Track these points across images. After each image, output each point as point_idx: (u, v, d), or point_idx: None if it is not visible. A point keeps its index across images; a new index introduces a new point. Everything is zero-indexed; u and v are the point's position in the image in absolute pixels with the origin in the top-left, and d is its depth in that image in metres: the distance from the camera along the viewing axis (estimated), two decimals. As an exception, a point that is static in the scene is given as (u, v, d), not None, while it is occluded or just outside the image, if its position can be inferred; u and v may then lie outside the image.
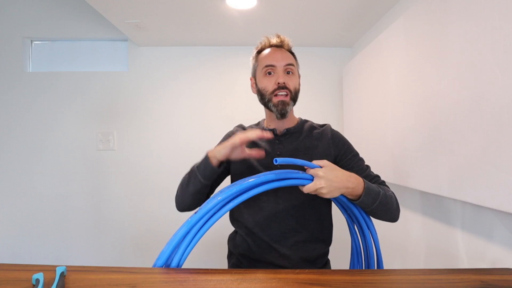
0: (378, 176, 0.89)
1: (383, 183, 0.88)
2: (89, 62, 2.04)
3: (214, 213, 0.70)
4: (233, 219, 0.96)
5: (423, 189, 1.04)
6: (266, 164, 0.88)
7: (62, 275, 0.57)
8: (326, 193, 0.71)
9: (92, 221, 1.96)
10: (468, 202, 0.86)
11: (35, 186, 1.95)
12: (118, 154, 1.98)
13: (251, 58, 0.96)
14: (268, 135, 0.80)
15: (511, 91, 0.68)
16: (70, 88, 1.97)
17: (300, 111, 0.98)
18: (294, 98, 0.90)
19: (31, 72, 1.99)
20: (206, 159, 0.83)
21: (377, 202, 0.76)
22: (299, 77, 0.95)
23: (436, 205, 1.09)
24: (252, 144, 0.95)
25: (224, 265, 1.02)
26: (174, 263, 0.65)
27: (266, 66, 0.89)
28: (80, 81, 1.97)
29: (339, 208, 0.87)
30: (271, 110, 0.90)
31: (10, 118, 1.95)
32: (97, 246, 1.96)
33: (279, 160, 0.69)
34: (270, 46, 0.92)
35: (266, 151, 0.90)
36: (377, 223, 0.86)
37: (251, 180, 0.72)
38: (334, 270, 0.66)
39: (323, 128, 0.95)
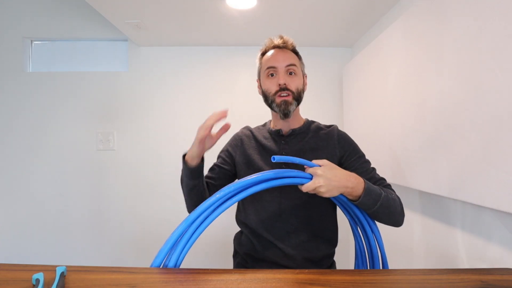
0: (383, 179, 0.88)
1: (388, 186, 0.87)
2: (89, 62, 2.04)
3: (212, 211, 0.70)
4: (238, 219, 0.97)
5: (423, 189, 1.04)
6: (271, 166, 0.89)
7: (62, 275, 0.57)
8: (324, 192, 0.71)
9: (92, 221, 1.96)
10: (468, 202, 0.86)
11: (35, 186, 1.95)
12: (118, 154, 1.98)
13: (256, 60, 0.98)
14: (223, 113, 0.85)
15: (511, 91, 0.68)
16: (70, 88, 1.97)
17: (300, 111, 0.99)
18: (297, 98, 0.90)
19: (31, 72, 1.99)
20: (184, 163, 0.87)
21: (378, 204, 0.75)
22: (304, 76, 0.96)
23: (436, 205, 1.08)
24: (257, 143, 0.96)
25: (230, 263, 1.03)
26: (172, 261, 0.65)
27: (268, 68, 0.91)
28: (80, 81, 1.97)
29: (342, 210, 0.87)
30: (275, 111, 0.92)
31: (10, 118, 1.95)
32: (97, 246, 1.96)
33: (277, 158, 0.69)
34: (273, 47, 0.94)
35: (271, 151, 0.90)
36: (378, 223, 0.86)
37: (249, 178, 0.72)
38: (334, 270, 0.66)
39: (330, 129, 0.96)
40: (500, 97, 0.71)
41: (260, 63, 0.96)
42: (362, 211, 0.81)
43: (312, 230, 0.88)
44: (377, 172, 0.92)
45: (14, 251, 1.94)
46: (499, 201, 0.72)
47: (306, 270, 0.63)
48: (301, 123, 0.97)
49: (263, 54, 0.95)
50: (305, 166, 0.75)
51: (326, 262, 0.91)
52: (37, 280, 0.54)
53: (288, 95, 0.89)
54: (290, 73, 0.90)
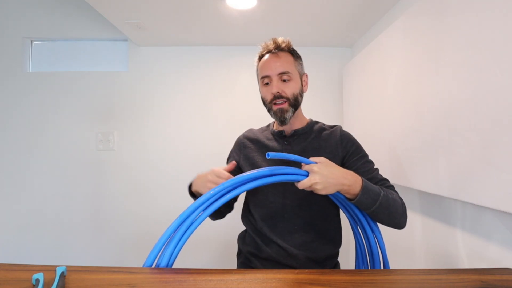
0: (385, 180, 0.88)
1: (391, 187, 0.86)
2: (89, 62, 2.03)
3: (207, 207, 0.71)
4: (243, 218, 0.98)
5: (423, 189, 1.04)
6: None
7: (62, 275, 0.57)
8: (320, 189, 0.71)
9: (92, 221, 1.96)
10: (468, 202, 0.85)
11: (35, 186, 1.95)
12: (118, 154, 1.98)
13: (255, 63, 0.99)
14: (230, 166, 0.88)
15: (511, 91, 0.68)
16: (70, 88, 1.97)
17: (302, 109, 1.00)
18: (293, 104, 0.90)
19: (31, 72, 1.99)
20: (193, 195, 0.89)
21: (377, 203, 0.75)
22: (302, 76, 0.95)
23: (436, 205, 1.08)
24: (260, 144, 0.96)
25: (234, 263, 1.04)
26: (165, 257, 0.66)
27: (262, 77, 0.92)
28: (80, 81, 1.97)
29: (342, 210, 0.87)
30: (273, 118, 0.94)
31: (10, 118, 1.95)
32: (97, 246, 1.96)
33: (271, 155, 0.70)
34: (267, 52, 0.93)
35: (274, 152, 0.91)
36: (379, 225, 0.86)
37: (244, 175, 0.73)
38: (334, 270, 0.66)
39: (333, 129, 0.96)
40: (500, 97, 0.71)
41: (257, 70, 0.97)
42: (362, 211, 0.80)
43: (316, 230, 0.89)
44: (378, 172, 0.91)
45: (14, 251, 1.94)
46: (499, 201, 0.72)
47: (306, 270, 0.63)
48: (304, 123, 0.97)
49: (260, 58, 0.96)
50: (302, 164, 0.75)
51: (329, 262, 0.91)
52: (37, 280, 0.54)
53: (284, 102, 0.89)
54: (284, 80, 0.90)
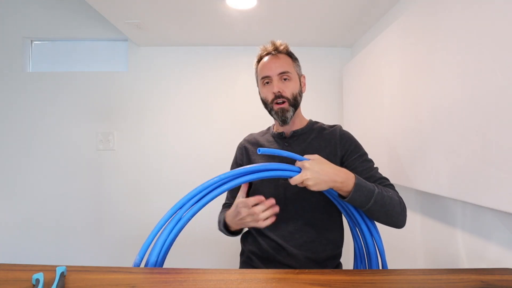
0: (385, 178, 0.88)
1: (390, 186, 0.86)
2: (89, 62, 2.03)
3: (197, 201, 0.73)
4: None
5: (423, 189, 1.04)
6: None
7: (62, 275, 0.57)
8: (312, 184, 0.71)
9: (92, 221, 1.96)
10: (468, 202, 0.85)
11: (35, 186, 1.95)
12: (118, 154, 1.98)
13: (253, 67, 1.01)
14: (244, 190, 0.89)
15: (511, 91, 0.68)
16: (70, 88, 1.97)
17: (302, 110, 1.00)
18: (293, 103, 0.92)
19: (31, 72, 1.99)
20: (228, 229, 0.91)
21: (371, 200, 0.74)
22: (300, 77, 0.97)
23: (436, 205, 1.08)
24: (261, 147, 0.97)
25: (238, 263, 1.05)
26: (156, 249, 0.68)
27: (262, 78, 0.94)
28: (80, 81, 1.97)
29: (341, 210, 0.87)
30: (274, 118, 0.95)
31: (10, 118, 1.95)
32: (97, 246, 1.96)
33: (262, 150, 0.72)
34: (266, 54, 0.95)
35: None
36: (379, 225, 0.85)
37: (237, 170, 0.74)
38: (334, 270, 0.66)
39: (333, 129, 0.97)
40: (500, 97, 0.71)
41: (256, 72, 0.98)
42: (359, 210, 0.80)
43: (317, 230, 0.89)
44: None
45: (14, 251, 1.94)
46: (499, 201, 0.72)
47: (306, 270, 0.63)
48: (304, 124, 0.99)
49: (259, 61, 0.98)
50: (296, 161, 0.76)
51: (331, 263, 0.91)
52: (37, 280, 0.54)
53: (284, 102, 0.91)
54: (285, 79, 0.92)
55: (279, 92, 0.90)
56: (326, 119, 1.17)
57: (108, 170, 1.97)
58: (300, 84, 0.96)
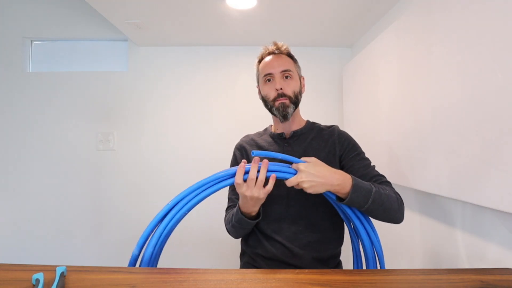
0: (381, 176, 0.88)
1: (386, 183, 0.86)
2: (89, 62, 2.03)
3: (192, 199, 0.75)
4: None
5: (423, 189, 1.04)
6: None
7: (62, 275, 0.57)
8: (307, 187, 0.72)
9: (92, 221, 1.96)
10: (468, 202, 0.86)
11: (35, 186, 1.95)
12: (118, 154, 1.98)
13: (254, 67, 1.01)
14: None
15: (511, 91, 0.68)
16: (70, 88, 1.97)
17: (301, 110, 1.00)
18: (294, 101, 0.93)
19: (31, 72, 1.99)
20: (245, 217, 0.86)
21: (370, 200, 0.75)
22: (300, 78, 0.98)
23: (436, 205, 1.08)
24: (259, 148, 0.97)
25: (237, 263, 1.04)
26: (150, 245, 0.70)
27: (265, 75, 0.94)
28: (80, 81, 1.97)
29: (339, 213, 0.86)
30: (274, 114, 0.95)
31: (10, 118, 1.95)
32: (97, 246, 1.96)
33: (256, 153, 0.73)
34: (268, 54, 0.97)
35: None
36: (376, 223, 0.85)
37: (232, 169, 0.75)
38: (334, 270, 0.66)
39: (331, 129, 0.98)
40: (500, 97, 0.71)
41: (258, 70, 0.99)
42: (356, 212, 0.80)
43: (320, 230, 0.89)
44: (378, 171, 0.91)
45: (14, 251, 1.94)
46: (499, 201, 0.72)
47: (306, 270, 0.63)
48: (302, 124, 0.99)
49: (260, 61, 0.99)
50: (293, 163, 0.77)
51: (332, 261, 0.93)
52: (37, 280, 0.54)
53: (285, 99, 0.92)
54: (286, 77, 0.93)
55: (281, 89, 0.91)
56: (326, 119, 1.17)
57: (108, 170, 1.97)
58: (300, 84, 0.97)
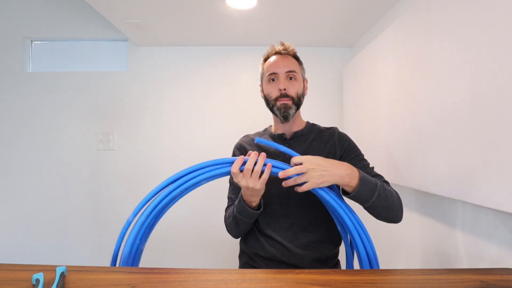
0: (380, 176, 0.89)
1: (385, 183, 0.86)
2: (89, 62, 2.03)
3: (187, 180, 0.79)
4: None
5: (423, 189, 1.04)
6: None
7: (62, 275, 0.57)
8: (316, 176, 0.71)
9: (92, 221, 1.96)
10: (468, 202, 0.86)
11: (35, 186, 1.95)
12: (118, 154, 1.98)
13: (258, 65, 1.01)
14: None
15: (511, 91, 0.68)
16: (70, 88, 1.97)
17: (301, 111, 1.01)
18: (297, 103, 0.93)
19: (31, 72, 1.99)
20: (247, 207, 0.84)
21: (375, 194, 0.74)
22: (304, 81, 0.99)
23: (436, 205, 1.08)
24: (259, 148, 0.97)
25: (236, 264, 1.04)
26: (131, 236, 0.73)
27: (270, 74, 0.94)
28: (80, 81, 1.97)
29: (332, 217, 0.85)
30: (275, 114, 0.95)
31: (10, 118, 1.95)
32: (97, 246, 1.96)
33: (258, 140, 0.77)
34: (275, 53, 0.97)
35: (275, 155, 0.91)
36: (376, 222, 0.85)
37: (229, 158, 0.77)
38: (333, 270, 0.66)
39: (331, 130, 0.99)
40: (500, 97, 0.71)
41: (262, 69, 0.99)
42: (347, 210, 0.77)
43: (320, 230, 0.90)
44: (378, 171, 0.91)
45: (14, 251, 1.94)
46: (499, 201, 0.72)
47: (306, 270, 0.63)
48: (303, 125, 1.00)
49: (265, 60, 0.99)
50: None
51: (331, 261, 0.93)
52: (37, 280, 0.54)
53: (288, 100, 0.92)
54: (291, 78, 0.93)
55: (284, 89, 0.91)
56: (326, 119, 1.17)
57: (108, 170, 1.97)
58: (304, 87, 0.98)
